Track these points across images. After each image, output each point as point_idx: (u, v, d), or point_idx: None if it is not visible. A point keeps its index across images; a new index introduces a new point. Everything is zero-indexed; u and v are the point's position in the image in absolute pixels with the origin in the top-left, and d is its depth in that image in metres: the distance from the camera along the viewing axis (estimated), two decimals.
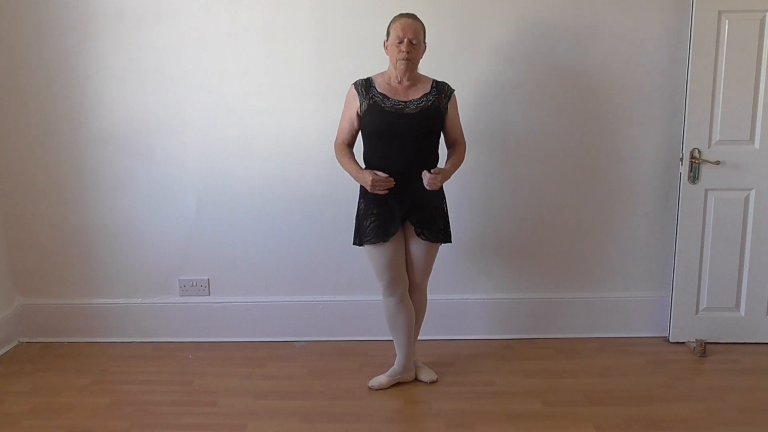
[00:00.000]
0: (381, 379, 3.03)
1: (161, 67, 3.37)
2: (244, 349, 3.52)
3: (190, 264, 3.58)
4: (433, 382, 3.06)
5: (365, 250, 2.89)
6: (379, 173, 2.74)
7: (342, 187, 3.30)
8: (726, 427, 2.67)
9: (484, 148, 3.36)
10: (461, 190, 3.31)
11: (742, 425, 2.69)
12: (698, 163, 3.31)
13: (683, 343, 3.48)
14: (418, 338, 3.12)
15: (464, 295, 3.55)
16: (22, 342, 3.66)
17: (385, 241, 2.81)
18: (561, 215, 3.49)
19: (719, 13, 3.17)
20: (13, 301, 3.64)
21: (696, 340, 3.39)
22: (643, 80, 3.35)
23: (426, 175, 2.72)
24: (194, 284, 3.59)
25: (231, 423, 2.77)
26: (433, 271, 3.01)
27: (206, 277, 3.59)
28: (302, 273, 3.56)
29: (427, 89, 2.80)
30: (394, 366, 3.05)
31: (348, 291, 3.56)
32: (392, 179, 2.74)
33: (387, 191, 2.75)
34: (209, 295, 3.61)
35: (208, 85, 3.38)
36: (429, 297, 3.09)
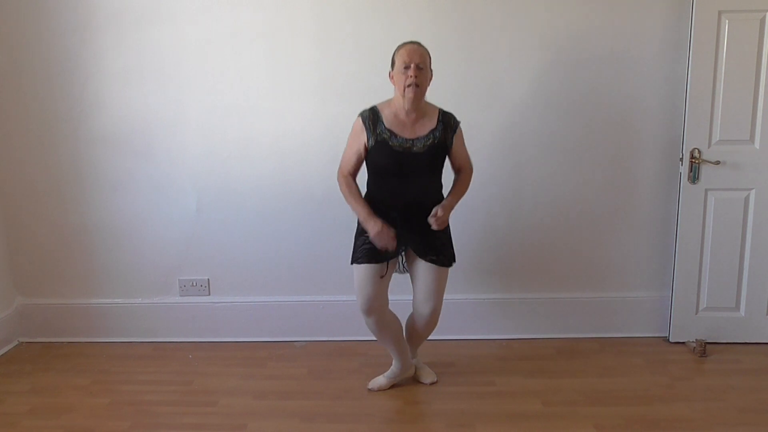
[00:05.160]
0: (380, 381, 3.04)
1: (161, 67, 3.37)
2: (244, 349, 3.52)
3: (190, 264, 3.58)
4: (433, 383, 3.06)
5: (352, 268, 2.85)
6: (390, 230, 2.70)
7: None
8: (726, 427, 2.67)
9: (484, 150, 3.36)
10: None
11: (742, 425, 2.69)
12: (698, 163, 3.31)
13: (683, 343, 3.48)
14: None
15: (464, 295, 3.55)
16: (22, 342, 3.66)
17: (375, 263, 2.77)
18: (561, 215, 3.49)
19: (719, 13, 3.18)
20: (13, 301, 3.64)
21: (696, 340, 3.39)
22: (643, 80, 3.35)
23: (430, 220, 2.71)
24: (194, 284, 3.59)
25: (231, 423, 2.77)
26: None
27: (206, 277, 3.59)
28: (302, 273, 3.56)
29: (434, 123, 2.75)
30: (392, 368, 3.05)
31: (348, 291, 3.52)
32: (395, 241, 2.71)
33: (385, 248, 2.71)
34: (209, 295, 3.61)
35: (208, 85, 3.38)
36: None
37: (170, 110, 3.41)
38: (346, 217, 3.25)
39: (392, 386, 3.04)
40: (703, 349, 3.33)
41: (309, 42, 3.33)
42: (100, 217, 3.53)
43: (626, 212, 3.49)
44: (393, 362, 3.04)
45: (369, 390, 3.01)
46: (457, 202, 2.84)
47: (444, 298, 3.43)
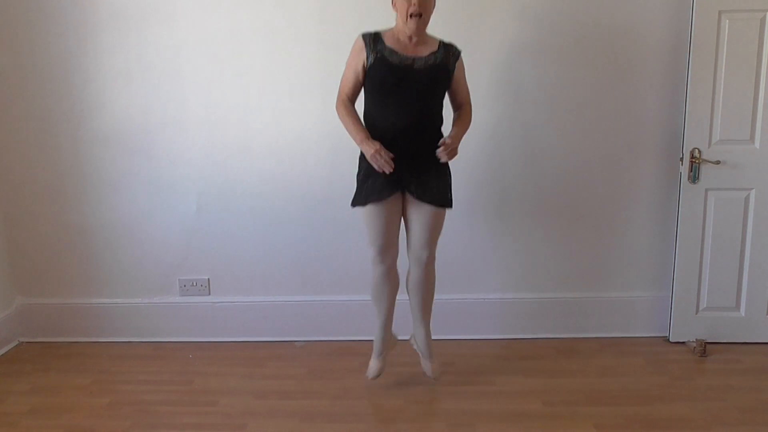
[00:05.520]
0: (373, 366, 3.01)
1: (161, 67, 3.37)
2: (244, 349, 3.52)
3: (190, 264, 3.58)
4: (435, 380, 3.05)
5: (361, 213, 2.80)
6: (387, 152, 2.65)
7: (342, 187, 3.29)
8: (726, 427, 2.67)
9: (485, 149, 3.36)
10: (462, 190, 3.30)
11: (743, 425, 2.69)
12: (698, 163, 3.31)
13: (683, 342, 3.48)
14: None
15: (464, 295, 3.55)
16: (22, 342, 3.66)
17: (389, 197, 2.74)
18: (561, 215, 3.49)
19: (719, 13, 3.18)
20: (13, 301, 3.64)
21: (696, 339, 3.39)
22: (643, 80, 3.35)
23: (439, 152, 2.68)
24: (194, 284, 3.60)
25: (231, 423, 2.77)
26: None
27: (206, 277, 3.60)
28: (302, 273, 3.56)
29: (435, 48, 2.74)
30: (376, 345, 3.01)
31: (348, 291, 3.56)
32: (392, 164, 2.65)
33: (381, 171, 2.66)
34: (209, 294, 3.61)
35: (208, 84, 3.38)
36: None
37: (170, 110, 3.41)
38: (345, 216, 3.25)
39: (391, 386, 3.03)
40: (703, 348, 3.34)
41: (309, 41, 3.33)
42: (100, 217, 3.53)
43: (626, 212, 3.49)
44: (375, 336, 3.00)
45: (371, 379, 3.00)
46: (463, 133, 2.80)
47: (444, 298, 3.45)
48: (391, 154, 2.66)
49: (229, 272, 3.58)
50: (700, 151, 3.31)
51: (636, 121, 3.39)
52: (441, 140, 2.71)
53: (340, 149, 3.27)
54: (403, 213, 2.85)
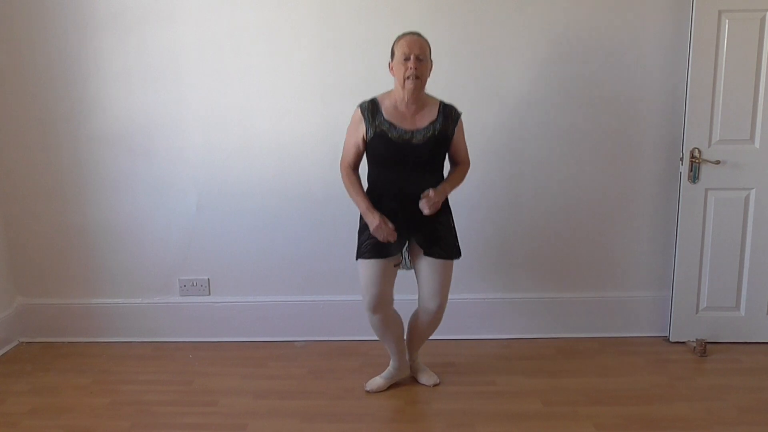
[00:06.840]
0: (377, 382, 3.03)
1: (161, 67, 3.37)
2: (244, 349, 3.52)
3: (190, 264, 3.58)
4: (435, 385, 3.06)
5: (357, 263, 2.84)
6: (389, 223, 2.70)
7: (341, 187, 3.29)
8: (726, 427, 2.67)
9: (486, 150, 3.36)
10: (463, 190, 3.30)
11: (743, 425, 2.69)
12: (698, 163, 3.31)
13: (683, 342, 3.48)
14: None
15: (464, 294, 3.54)
16: (22, 342, 3.66)
17: (380, 258, 2.76)
18: (560, 215, 3.49)
19: (719, 13, 3.18)
20: (13, 301, 3.64)
21: (696, 339, 3.39)
22: (643, 80, 3.35)
23: (421, 203, 2.68)
24: (194, 284, 3.60)
25: (231, 423, 2.77)
26: None
27: (206, 277, 3.59)
28: (302, 273, 3.56)
29: (434, 115, 2.72)
30: (389, 368, 3.04)
31: (348, 291, 3.55)
32: (395, 234, 2.70)
33: (387, 240, 2.71)
34: (209, 295, 3.61)
35: (208, 85, 3.38)
36: None
37: (170, 110, 3.41)
38: (346, 216, 3.25)
39: (391, 387, 3.03)
40: (704, 348, 3.33)
41: (309, 42, 3.33)
42: (100, 217, 3.53)
43: (626, 212, 3.49)
44: (390, 362, 3.04)
45: (367, 392, 3.01)
46: (450, 189, 2.82)
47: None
48: (392, 225, 2.70)
49: (229, 272, 3.58)
50: (700, 151, 3.31)
51: (636, 121, 3.39)
52: (425, 192, 2.69)
53: (339, 149, 3.25)
54: (413, 262, 2.88)
